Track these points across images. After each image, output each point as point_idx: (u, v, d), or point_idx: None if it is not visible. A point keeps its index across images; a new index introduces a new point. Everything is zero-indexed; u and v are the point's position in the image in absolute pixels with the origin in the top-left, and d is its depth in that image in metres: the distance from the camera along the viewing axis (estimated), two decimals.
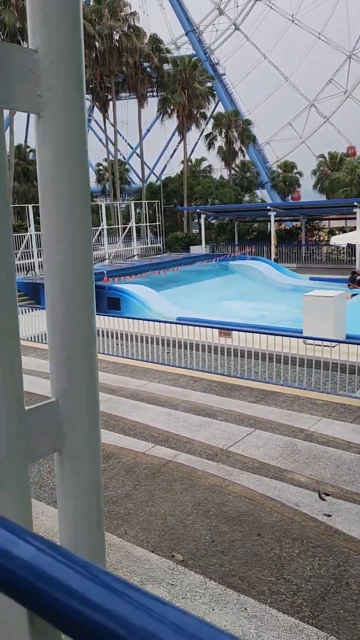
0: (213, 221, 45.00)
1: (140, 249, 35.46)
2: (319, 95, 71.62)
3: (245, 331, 14.95)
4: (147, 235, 37.11)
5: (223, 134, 49.80)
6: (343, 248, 33.89)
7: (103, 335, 16.62)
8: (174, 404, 10.07)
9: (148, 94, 44.61)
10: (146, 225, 36.30)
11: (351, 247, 32.25)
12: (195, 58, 47.75)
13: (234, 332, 14.75)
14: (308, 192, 57.81)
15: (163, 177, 67.57)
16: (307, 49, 72.73)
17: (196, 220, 49.67)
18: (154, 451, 6.08)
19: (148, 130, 46.76)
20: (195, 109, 45.82)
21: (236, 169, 53.19)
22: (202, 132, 53.87)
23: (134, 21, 39.81)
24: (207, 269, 31.30)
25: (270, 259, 33.33)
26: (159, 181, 63.13)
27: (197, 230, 47.19)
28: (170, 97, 44.36)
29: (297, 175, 56.16)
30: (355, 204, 29.87)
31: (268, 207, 32.24)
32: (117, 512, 4.69)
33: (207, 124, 51.77)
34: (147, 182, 54.12)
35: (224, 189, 46.11)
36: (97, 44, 35.70)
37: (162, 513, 4.63)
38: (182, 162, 55.85)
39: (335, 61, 71.40)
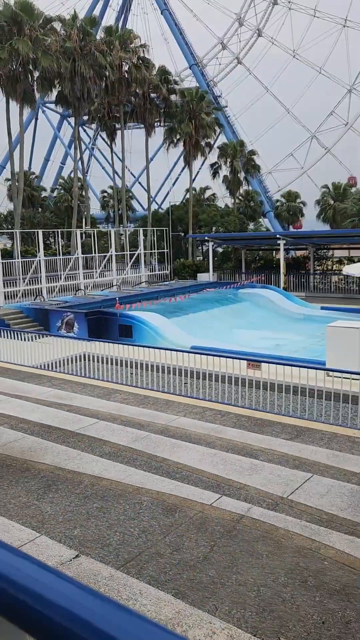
0: (217, 249, 45.04)
1: (148, 275, 35.25)
2: (320, 127, 72.72)
3: (267, 362, 14.54)
4: (155, 262, 36.96)
5: (228, 164, 50.20)
6: (353, 278, 33.76)
7: (116, 364, 16.17)
8: (210, 442, 9.61)
9: (155, 124, 45.04)
10: (154, 252, 36.19)
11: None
12: (202, 90, 48.41)
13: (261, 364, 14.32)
14: (310, 221, 58.20)
15: (165, 206, 68.05)
16: (308, 83, 74.16)
17: (200, 248, 49.77)
18: (222, 503, 5.62)
19: (151, 160, 47.05)
20: (202, 139, 46.23)
21: (240, 197, 53.49)
22: (203, 162, 54.30)
23: (143, 53, 40.40)
24: (217, 297, 31.04)
25: (280, 288, 33.15)
26: (160, 209, 63.46)
27: (201, 258, 47.20)
28: (178, 127, 44.76)
29: (301, 204, 56.55)
30: None
31: (278, 236, 32.19)
32: (199, 580, 4.22)
33: (209, 153, 52.18)
34: (149, 210, 54.30)
35: (229, 217, 46.25)
36: (107, 73, 36.09)
37: (252, 582, 4.16)
38: (186, 190, 56.22)
39: (336, 94, 72.76)
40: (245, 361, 14.14)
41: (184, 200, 53.62)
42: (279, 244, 32.98)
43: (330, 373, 14.36)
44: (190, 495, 5.77)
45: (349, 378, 13.70)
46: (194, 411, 12.61)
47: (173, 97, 45.29)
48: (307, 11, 73.30)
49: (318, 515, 6.31)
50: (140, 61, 40.47)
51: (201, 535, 4.95)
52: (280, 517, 5.39)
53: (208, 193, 55.63)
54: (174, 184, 70.00)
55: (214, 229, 46.78)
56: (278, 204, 57.84)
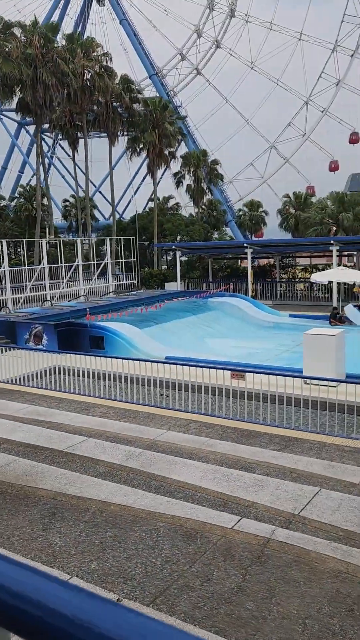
0: (182, 258, 44.94)
1: (115, 285, 34.76)
2: (279, 138, 73.95)
3: (248, 372, 14.35)
4: (122, 272, 36.48)
5: (191, 173, 50.32)
6: (318, 285, 34.19)
7: (90, 377, 15.71)
8: (203, 456, 9.32)
9: (119, 133, 44.72)
10: (121, 262, 35.74)
11: (325, 285, 32.52)
12: (165, 100, 48.44)
13: (240, 373, 14.08)
14: (272, 230, 58.93)
15: (127, 215, 67.61)
16: (266, 94, 75.40)
17: (164, 257, 49.55)
18: (243, 526, 5.30)
19: (110, 169, 46.68)
20: (165, 148, 46.16)
21: (203, 206, 53.65)
22: (165, 170, 54.23)
23: (106, 61, 40.09)
24: (187, 306, 30.80)
25: (248, 296, 33.21)
26: (122, 218, 63.00)
27: (165, 267, 46.97)
28: (141, 136, 44.57)
29: (263, 213, 57.19)
30: (332, 242, 30.26)
31: (245, 245, 32.27)
32: (238, 614, 3.89)
33: (171, 161, 52.14)
34: (114, 219, 53.82)
35: (194, 226, 46.27)
36: (70, 81, 35.58)
37: (295, 614, 3.85)
38: (149, 199, 56.03)
39: (293, 106, 74.24)
40: (229, 371, 13.92)
41: (148, 209, 53.40)
42: (246, 253, 33.06)
43: (308, 381, 14.29)
44: (208, 519, 5.43)
45: (326, 385, 13.67)
46: (178, 424, 12.29)
47: (136, 106, 45.13)
48: (264, 24, 74.69)
49: (334, 532, 6.08)
50: (103, 70, 40.16)
51: (230, 563, 4.63)
52: (308, 538, 5.12)
53: (171, 202, 55.60)
54: (135, 193, 69.66)
55: (178, 237, 46.68)
56: (241, 213, 58.34)
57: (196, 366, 14.42)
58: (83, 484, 6.37)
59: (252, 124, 74.96)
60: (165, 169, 53.51)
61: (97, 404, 14.27)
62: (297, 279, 37.00)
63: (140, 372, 15.21)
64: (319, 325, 28.18)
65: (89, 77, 40.42)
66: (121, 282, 35.08)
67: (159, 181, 67.55)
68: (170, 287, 36.56)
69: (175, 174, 52.17)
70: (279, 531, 5.19)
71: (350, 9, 69.78)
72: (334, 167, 72.46)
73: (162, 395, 14.76)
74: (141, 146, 47.09)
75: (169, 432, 11.18)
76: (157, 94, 67.68)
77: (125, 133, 47.54)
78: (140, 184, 75.14)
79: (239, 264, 42.44)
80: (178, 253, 35.58)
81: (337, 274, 27.23)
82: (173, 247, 36.33)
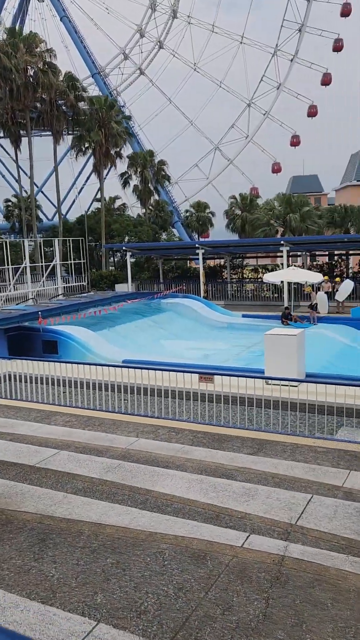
0: (130, 259, 44.38)
1: (64, 287, 33.78)
2: (222, 139, 74.62)
3: (213, 374, 14.12)
4: (72, 274, 35.51)
5: (138, 173, 49.84)
6: (268, 285, 34.51)
7: (43, 383, 15.07)
8: (180, 465, 8.97)
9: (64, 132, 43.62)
10: (71, 263, 34.78)
11: (274, 285, 32.86)
12: (111, 99, 47.70)
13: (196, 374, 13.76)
14: (219, 231, 59.33)
15: (71, 216, 66.21)
16: (210, 96, 75.94)
17: (112, 258, 48.77)
18: (253, 544, 4.96)
19: (55, 168, 45.54)
20: (112, 148, 45.46)
21: (150, 207, 53.28)
22: (109, 171, 53.42)
23: (50, 58, 38.99)
24: (140, 308, 30.30)
25: (200, 297, 33.10)
26: (66, 218, 61.61)
27: (113, 268, 46.22)
28: (87, 135, 43.67)
29: (210, 214, 57.43)
30: (283, 242, 30.58)
31: (197, 245, 32.14)
32: None
33: (117, 161, 51.41)
34: (57, 220, 52.53)
35: (142, 227, 45.81)
36: (13, 76, 34.33)
37: None
38: (95, 199, 55.07)
39: (236, 108, 75.22)
40: (197, 374, 13.62)
41: (94, 210, 52.45)
42: (197, 253, 32.94)
43: (270, 381, 14.22)
44: (214, 537, 5.07)
45: (287, 385, 13.64)
46: (146, 430, 11.89)
47: (81, 104, 44.18)
48: (206, 26, 75.18)
49: (335, 541, 5.86)
50: (47, 66, 39.05)
51: (248, 587, 4.28)
52: (325, 554, 4.85)
53: (118, 202, 54.91)
54: (79, 193, 68.44)
55: (126, 238, 46.07)
56: (187, 214, 58.35)
57: (161, 370, 14.04)
58: (70, 504, 5.86)
59: (196, 125, 75.32)
60: (110, 169, 52.77)
61: (58, 412, 13.66)
62: (247, 280, 37.24)
63: (99, 377, 14.71)
64: (272, 325, 28.44)
65: (32, 73, 39.25)
66: (70, 284, 34.14)
67: (102, 181, 66.73)
68: (121, 288, 35.94)
69: (122, 174, 51.56)
70: (292, 547, 4.91)
71: (289, 14, 71.46)
72: (276, 169, 73.81)
73: (125, 400, 14.33)
74: (87, 145, 46.19)
75: (140, 440, 10.75)
76: (100, 93, 66.81)
77: (69, 132, 46.48)
78: (85, 184, 73.88)
79: (188, 264, 42.34)
80: (128, 254, 35.02)
81: (289, 274, 27.51)
82: (123, 247, 35.74)
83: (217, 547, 4.88)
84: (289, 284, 30.68)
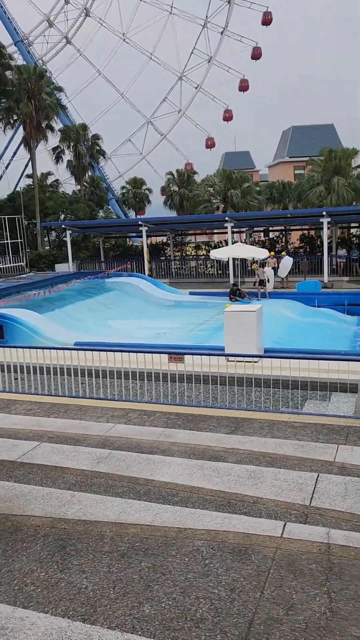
0: (65, 238, 43.00)
1: (1, 269, 32.20)
2: (155, 113, 73.28)
3: (182, 354, 13.86)
4: (8, 253, 33.82)
5: (72, 148, 48.01)
6: (212, 262, 34.47)
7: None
8: (165, 449, 8.67)
9: None
10: (7, 242, 33.08)
11: (220, 262, 32.83)
12: (43, 67, 45.35)
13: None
14: (155, 208, 58.63)
15: None
16: (140, 68, 74.15)
17: (46, 237, 47.00)
18: (293, 533, 4.69)
19: None
20: (43, 121, 43.45)
21: (85, 184, 51.63)
22: (37, 145, 51.09)
23: None
24: (84, 288, 29.38)
25: (145, 275, 32.54)
26: None
27: (48, 247, 44.59)
28: (16, 106, 41.45)
29: (147, 191, 56.47)
30: (227, 218, 30.46)
31: (140, 222, 31.45)
32: None
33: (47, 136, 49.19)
34: None
35: (79, 204, 44.31)
36: None
37: None
38: (24, 176, 52.69)
39: (168, 81, 73.89)
40: (166, 355, 13.26)
41: (26, 187, 50.19)
42: (140, 231, 32.26)
43: (230, 358, 14.11)
44: (249, 529, 4.77)
45: (250, 362, 13.60)
46: (116, 415, 11.48)
47: (7, 73, 41.76)
48: None
49: (355, 520, 5.74)
50: None
51: (303, 581, 4.02)
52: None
53: (51, 179, 52.81)
54: (6, 168, 65.33)
55: (62, 216, 44.47)
56: (124, 190, 57.06)
57: (121, 351, 13.54)
58: (81, 504, 5.36)
59: (127, 98, 73.46)
60: (37, 143, 50.51)
61: (16, 400, 12.97)
62: (191, 257, 36.97)
63: (53, 362, 14.06)
64: (219, 302, 28.43)
65: None
66: (7, 265, 32.56)
67: (30, 156, 63.97)
68: (61, 268, 34.72)
69: (54, 149, 49.50)
70: (333, 533, 4.70)
71: None
72: (210, 144, 73.52)
73: (83, 384, 13.79)
74: (15, 118, 43.92)
75: (116, 426, 10.33)
76: (24, 63, 63.58)
77: None
78: (11, 160, 70.62)
79: (128, 242, 41.53)
80: (68, 232, 33.77)
81: (236, 250, 27.48)
82: (63, 225, 34.41)
83: (256, 539, 4.59)
84: (234, 260, 30.73)
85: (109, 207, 57.69)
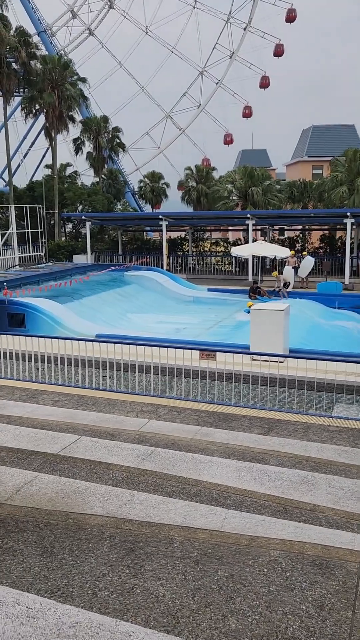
0: (82, 230, 42.77)
1: (20, 258, 32.03)
2: (174, 108, 72.91)
3: (214, 351, 13.56)
4: (29, 243, 33.63)
5: (92, 140, 47.74)
6: (229, 259, 34.19)
7: (15, 359, 14.09)
8: (204, 448, 8.49)
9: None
10: (28, 232, 32.90)
11: (238, 259, 32.46)
12: (66, 58, 45.06)
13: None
14: (172, 203, 58.32)
15: (15, 182, 62.86)
16: (162, 62, 73.78)
17: (63, 228, 46.81)
18: None
19: (6, 131, 42.83)
20: (66, 111, 43.18)
21: (103, 176, 51.38)
22: (56, 136, 50.83)
23: (1, 9, 36.17)
24: (104, 280, 29.16)
25: (163, 269, 32.28)
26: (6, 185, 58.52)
27: (65, 238, 44.43)
28: (39, 96, 41.20)
29: (164, 186, 56.15)
30: (248, 215, 30.13)
31: (161, 217, 31.17)
32: None
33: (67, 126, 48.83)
34: (10, 187, 49.73)
35: (97, 196, 44.06)
36: None
37: None
38: (42, 166, 52.48)
39: (189, 75, 73.51)
40: (197, 351, 13.01)
41: (45, 177, 49.99)
42: (160, 225, 31.97)
43: (255, 357, 13.85)
44: (326, 541, 4.53)
45: (275, 362, 13.33)
46: (145, 410, 11.26)
47: (32, 62, 41.48)
48: None
49: None
50: None
51: None
52: None
53: (69, 170, 52.58)
54: (24, 158, 65.26)
55: (80, 207, 44.25)
56: (142, 184, 56.74)
57: (154, 345, 13.34)
58: (142, 504, 5.15)
59: (147, 92, 73.11)
60: (59, 133, 50.23)
61: (43, 390, 12.80)
62: (209, 253, 36.65)
63: (74, 352, 13.88)
64: (239, 299, 28.14)
65: None
66: (27, 254, 32.39)
67: (48, 148, 63.74)
68: (79, 259, 34.52)
69: (74, 140, 49.27)
70: None
71: None
72: (228, 140, 73.05)
73: (103, 377, 13.59)
74: (37, 107, 43.66)
75: (151, 422, 10.13)
76: (47, 53, 63.32)
77: (18, 92, 43.66)
78: (29, 149, 70.53)
79: (144, 236, 41.25)
80: (88, 224, 33.56)
81: (257, 248, 27.16)
82: (83, 217, 34.18)
83: (335, 552, 4.36)
84: (254, 258, 30.43)
85: (126, 200, 57.44)
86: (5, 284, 22.01)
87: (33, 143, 72.23)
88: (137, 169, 70.14)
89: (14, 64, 40.25)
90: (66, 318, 21.47)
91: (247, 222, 30.60)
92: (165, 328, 23.69)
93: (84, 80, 44.45)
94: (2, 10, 35.98)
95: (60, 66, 41.59)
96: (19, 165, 69.83)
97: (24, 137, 68.66)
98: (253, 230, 32.16)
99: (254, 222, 30.18)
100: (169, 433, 9.39)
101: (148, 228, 38.54)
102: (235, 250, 27.89)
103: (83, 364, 13.45)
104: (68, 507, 5.08)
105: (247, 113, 72.31)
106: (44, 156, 69.28)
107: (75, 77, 43.90)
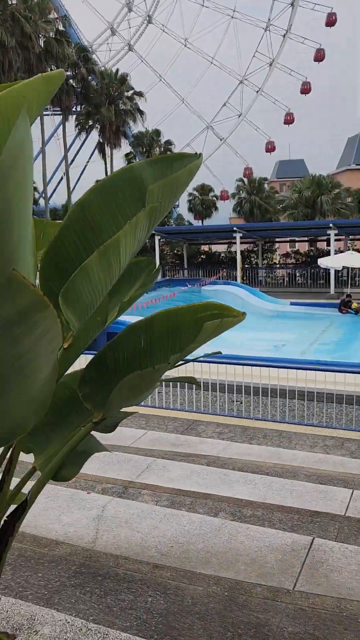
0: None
1: None
2: (215, 118, 72.41)
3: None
4: None
5: (145, 154, 47.32)
6: (300, 272, 33.15)
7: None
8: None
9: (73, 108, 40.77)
10: None
11: (322, 270, 31.19)
12: (122, 72, 44.83)
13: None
14: (222, 216, 57.62)
15: (55, 200, 62.84)
16: (201, 73, 73.44)
17: None
18: None
19: (65, 149, 42.70)
20: (122, 126, 42.91)
21: None
22: (110, 151, 50.70)
23: (63, 26, 36.01)
24: (179, 297, 28.30)
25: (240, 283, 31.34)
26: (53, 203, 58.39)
27: None
28: (96, 111, 40.96)
29: (214, 198, 55.48)
30: (331, 225, 29.06)
31: (234, 229, 30.29)
32: None
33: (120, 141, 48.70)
34: (57, 203, 49.62)
35: None
36: (32, 44, 31.35)
37: None
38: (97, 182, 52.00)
39: (228, 85, 72.96)
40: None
41: None
42: (234, 237, 31.08)
43: None
44: None
45: None
46: (330, 444, 10.10)
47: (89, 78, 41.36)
48: (196, 0, 72.34)
49: None
50: (59, 35, 36.04)
51: None
52: None
53: None
54: (81, 174, 65.26)
55: None
56: (191, 197, 56.13)
57: (296, 368, 12.17)
58: None
59: (187, 103, 72.77)
60: (114, 148, 50.05)
61: (195, 420, 11.70)
62: (280, 265, 35.65)
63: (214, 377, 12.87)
64: (327, 313, 26.96)
65: (41, 43, 36.16)
66: None
67: (88, 161, 63.70)
68: None
69: (126, 155, 48.93)
70: None
71: None
72: (270, 148, 72.08)
73: (239, 402, 12.53)
74: (90, 123, 43.48)
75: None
76: None
77: (76, 108, 43.56)
78: (87, 164, 70.14)
79: (210, 249, 40.41)
80: (157, 238, 32.86)
81: (348, 259, 26.04)
82: (154, 232, 33.49)
83: None
84: (335, 270, 29.34)
85: (180, 213, 56.94)
86: None
87: (72, 161, 72.34)
88: None
89: (71, 80, 40.16)
90: None
91: (328, 232, 29.51)
92: (261, 346, 22.59)
93: (140, 94, 44.08)
94: (65, 27, 35.80)
95: (117, 81, 41.32)
96: (58, 184, 69.91)
97: (76, 154, 68.51)
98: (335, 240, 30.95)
99: (336, 231, 29.09)
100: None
101: (220, 241, 37.70)
102: (324, 262, 26.78)
103: (205, 387, 12.34)
104: None
105: (289, 119, 71.34)
106: (82, 173, 69.06)
107: (132, 91, 43.59)
